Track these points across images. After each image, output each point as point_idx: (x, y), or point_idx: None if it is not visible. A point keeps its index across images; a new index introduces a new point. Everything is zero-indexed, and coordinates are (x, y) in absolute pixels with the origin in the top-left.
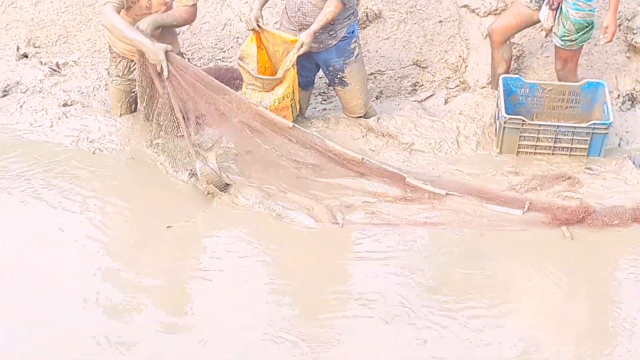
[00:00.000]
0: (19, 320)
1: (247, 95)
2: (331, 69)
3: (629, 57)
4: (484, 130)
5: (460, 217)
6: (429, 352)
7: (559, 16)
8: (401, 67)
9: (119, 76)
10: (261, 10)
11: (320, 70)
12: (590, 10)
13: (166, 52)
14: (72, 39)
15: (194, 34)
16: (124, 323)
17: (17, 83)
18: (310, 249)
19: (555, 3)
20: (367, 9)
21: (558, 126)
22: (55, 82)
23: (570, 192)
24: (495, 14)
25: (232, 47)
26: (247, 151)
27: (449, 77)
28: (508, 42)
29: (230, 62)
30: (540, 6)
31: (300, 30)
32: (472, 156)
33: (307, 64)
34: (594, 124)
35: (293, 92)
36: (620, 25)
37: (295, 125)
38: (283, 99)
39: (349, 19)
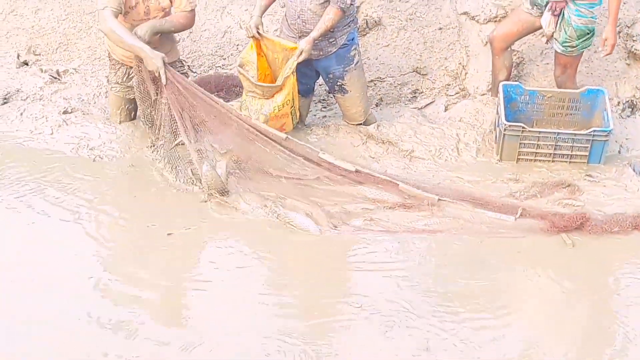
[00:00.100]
0: (19, 320)
1: (247, 103)
2: (331, 76)
3: (628, 64)
4: (484, 137)
5: (459, 224)
6: (430, 359)
7: (560, 22)
8: (401, 75)
9: (118, 83)
10: (261, 17)
11: (320, 77)
12: (592, 17)
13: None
14: (72, 47)
15: (194, 41)
16: (123, 324)
17: (18, 90)
18: (309, 256)
19: (557, 9)
20: (367, 16)
21: (558, 133)
22: (55, 89)
23: (570, 200)
24: (495, 21)
25: (232, 55)
26: (247, 158)
27: (449, 84)
28: (509, 49)
29: (230, 69)
30: (541, 13)
31: (300, 37)
32: (472, 163)
33: (307, 71)
34: (594, 131)
35: (293, 99)
36: (620, 32)
37: (289, 137)
38: (283, 106)
39: (349, 26)
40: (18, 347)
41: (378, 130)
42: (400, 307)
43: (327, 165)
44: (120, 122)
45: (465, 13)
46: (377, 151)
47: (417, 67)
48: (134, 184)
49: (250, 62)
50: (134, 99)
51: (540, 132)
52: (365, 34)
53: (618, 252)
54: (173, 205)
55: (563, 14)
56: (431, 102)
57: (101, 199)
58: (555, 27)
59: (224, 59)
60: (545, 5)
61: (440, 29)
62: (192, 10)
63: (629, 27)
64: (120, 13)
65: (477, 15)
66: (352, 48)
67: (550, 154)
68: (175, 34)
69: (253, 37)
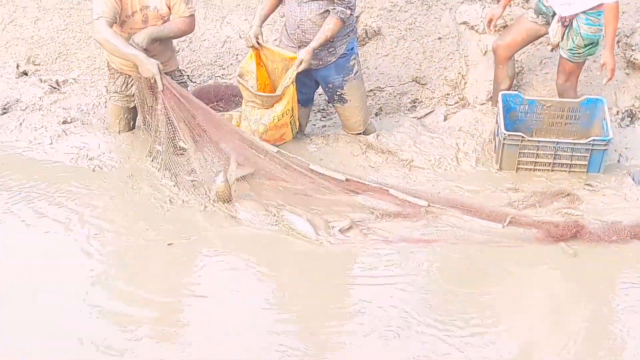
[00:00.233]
0: (19, 320)
1: (247, 113)
2: (330, 85)
3: (627, 74)
4: (483, 146)
5: (456, 233)
6: None
7: (568, 32)
8: (400, 84)
9: (117, 92)
10: (261, 27)
11: (320, 87)
12: (599, 25)
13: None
14: (71, 57)
15: (194, 51)
16: (123, 327)
17: (17, 101)
18: (307, 266)
19: (567, 20)
20: (366, 26)
21: (557, 142)
22: (54, 99)
23: (569, 209)
24: (495, 31)
25: (231, 64)
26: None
27: (448, 94)
28: (512, 58)
29: (230, 79)
30: (547, 21)
31: (299, 47)
32: (471, 173)
33: (307, 81)
34: (593, 140)
35: (292, 109)
36: (619, 41)
37: (280, 150)
38: (282, 116)
39: (348, 35)
40: (18, 347)
41: (377, 140)
42: (399, 317)
43: (318, 176)
44: (119, 132)
45: (464, 23)
46: (376, 161)
47: (417, 77)
48: (134, 194)
49: (250, 72)
50: (133, 108)
51: (539, 141)
52: (365, 44)
53: (617, 261)
54: (173, 215)
55: (571, 24)
56: (430, 112)
57: (100, 209)
58: (562, 37)
59: (224, 68)
60: (553, 16)
61: (439, 38)
62: (191, 16)
63: (627, 37)
64: (115, 23)
65: (476, 25)
66: (352, 57)
67: (550, 163)
68: (175, 44)
69: (252, 47)
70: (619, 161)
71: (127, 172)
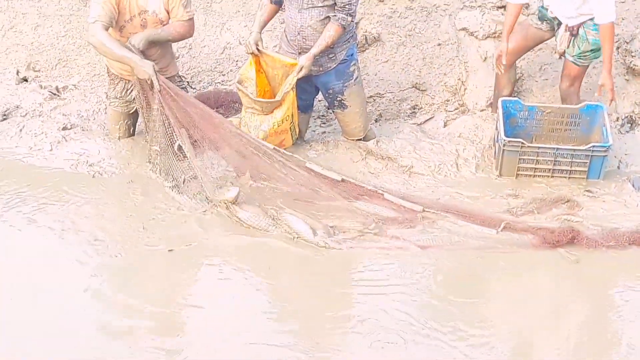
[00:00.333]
0: (19, 320)
1: (247, 119)
2: (330, 91)
3: (627, 80)
4: (483, 153)
5: (453, 239)
6: None
7: (574, 40)
8: (400, 90)
9: (117, 98)
10: (260, 33)
11: (320, 93)
12: None
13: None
14: (71, 63)
15: (193, 57)
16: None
17: (17, 107)
18: (306, 273)
19: (575, 29)
20: (366, 32)
21: (557, 149)
22: (54, 105)
23: (569, 215)
24: (494, 37)
25: (231, 71)
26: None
27: (448, 100)
28: (514, 64)
29: (230, 85)
30: (551, 27)
31: (299, 53)
32: (471, 179)
33: (307, 87)
34: (593, 146)
35: (292, 115)
36: (618, 47)
37: (276, 148)
38: (282, 122)
39: (348, 42)
40: (18, 347)
41: (377, 146)
42: (397, 323)
43: (315, 175)
44: (119, 138)
45: (464, 29)
46: (376, 167)
47: (416, 83)
48: (133, 200)
49: (249, 79)
50: (133, 114)
51: (539, 147)
52: (365, 50)
53: (615, 267)
54: (173, 221)
55: (578, 32)
56: (430, 118)
57: (100, 215)
58: (569, 45)
59: (223, 75)
60: (558, 24)
61: (439, 44)
62: (190, 20)
63: (627, 43)
64: (112, 27)
65: (475, 31)
66: (352, 64)
67: (550, 169)
68: (174, 50)
69: (252, 53)
70: (618, 167)
71: (127, 178)
